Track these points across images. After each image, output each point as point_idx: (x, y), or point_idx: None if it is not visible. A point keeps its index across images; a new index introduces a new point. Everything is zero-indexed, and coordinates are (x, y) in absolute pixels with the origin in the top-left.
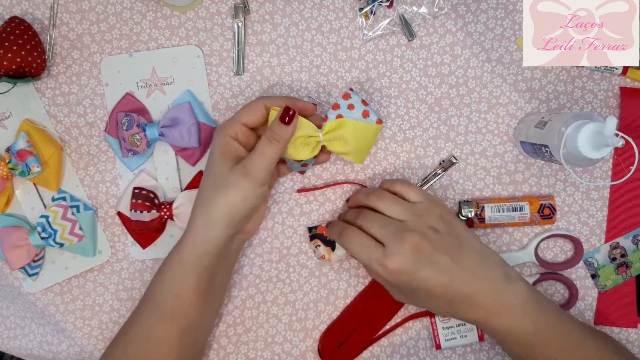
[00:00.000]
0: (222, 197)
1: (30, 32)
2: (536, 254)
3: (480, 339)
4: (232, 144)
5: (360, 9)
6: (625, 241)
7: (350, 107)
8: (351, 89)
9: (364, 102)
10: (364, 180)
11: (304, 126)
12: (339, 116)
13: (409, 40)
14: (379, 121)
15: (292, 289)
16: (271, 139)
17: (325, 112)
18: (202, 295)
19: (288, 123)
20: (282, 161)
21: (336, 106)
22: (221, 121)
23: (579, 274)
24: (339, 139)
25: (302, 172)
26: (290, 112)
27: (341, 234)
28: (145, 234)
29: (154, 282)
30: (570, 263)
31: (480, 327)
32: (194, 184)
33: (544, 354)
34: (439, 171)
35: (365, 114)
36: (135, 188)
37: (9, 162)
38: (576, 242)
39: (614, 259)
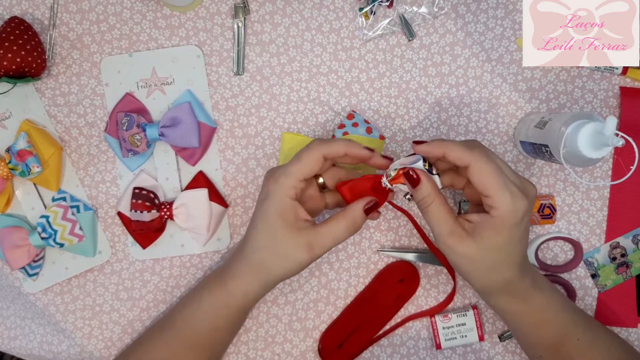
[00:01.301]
0: (282, 269)
1: (30, 32)
2: (536, 256)
3: (481, 339)
4: (293, 207)
5: (360, 9)
6: (625, 241)
7: (355, 125)
8: (353, 111)
9: (367, 121)
10: None
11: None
12: (345, 133)
13: (409, 40)
14: (382, 137)
15: (292, 289)
16: (350, 228)
17: (328, 110)
18: (235, 329)
19: (369, 213)
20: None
21: (342, 125)
22: (221, 121)
23: (579, 274)
24: None
25: None
26: (374, 205)
27: (483, 155)
28: (145, 234)
29: (189, 309)
30: (569, 265)
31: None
32: (194, 184)
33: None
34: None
35: (369, 131)
36: (135, 188)
37: (9, 162)
38: (576, 245)
39: (614, 259)
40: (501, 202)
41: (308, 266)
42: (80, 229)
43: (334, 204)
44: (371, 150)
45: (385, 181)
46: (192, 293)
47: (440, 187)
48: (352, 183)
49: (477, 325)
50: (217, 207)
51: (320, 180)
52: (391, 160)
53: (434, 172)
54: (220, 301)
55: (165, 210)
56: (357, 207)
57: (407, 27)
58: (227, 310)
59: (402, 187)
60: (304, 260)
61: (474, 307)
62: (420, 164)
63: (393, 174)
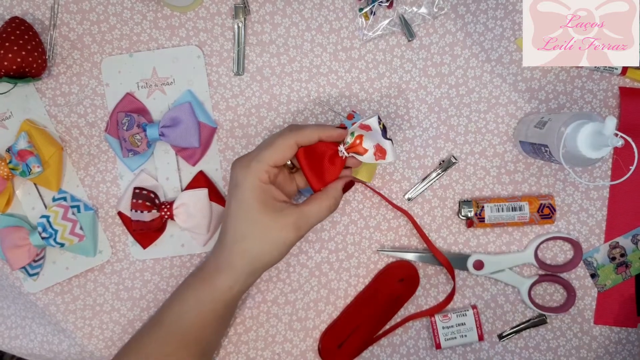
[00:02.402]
0: (269, 253)
1: (30, 33)
2: (536, 256)
3: (480, 338)
4: (268, 190)
5: (360, 9)
6: (624, 241)
7: None
8: (353, 111)
9: None
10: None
11: None
12: None
13: (409, 41)
14: None
15: (293, 289)
16: (332, 207)
17: (328, 110)
18: (225, 323)
19: (345, 191)
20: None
21: (342, 125)
22: (222, 121)
23: (578, 274)
24: None
25: None
26: (349, 183)
27: None
28: (145, 233)
29: (176, 307)
30: (569, 265)
31: None
32: (194, 184)
33: None
34: (439, 171)
35: None
36: (135, 188)
37: (10, 162)
38: (575, 245)
39: (613, 259)
40: None
41: (292, 247)
42: (81, 228)
43: (304, 184)
44: (343, 127)
45: (342, 149)
46: (177, 291)
47: (393, 155)
48: (309, 148)
49: (476, 325)
50: (217, 207)
51: (289, 162)
52: (344, 129)
53: (388, 136)
54: (205, 297)
55: (165, 210)
56: (338, 187)
57: (407, 28)
58: (213, 305)
59: (358, 157)
60: (291, 240)
61: (474, 307)
62: (375, 124)
63: (350, 140)
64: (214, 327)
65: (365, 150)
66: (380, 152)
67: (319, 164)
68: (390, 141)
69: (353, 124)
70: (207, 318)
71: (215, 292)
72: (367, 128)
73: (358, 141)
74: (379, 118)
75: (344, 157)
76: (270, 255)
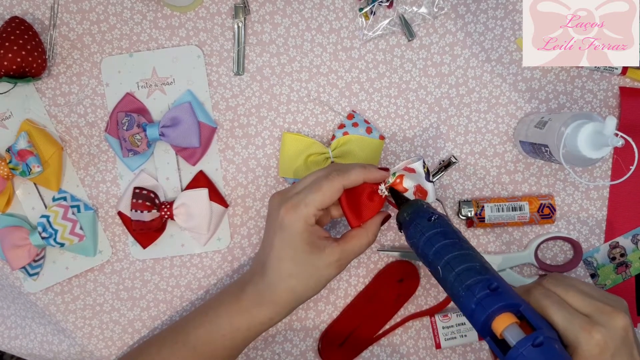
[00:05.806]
0: (314, 290)
1: (30, 33)
2: (536, 256)
3: (481, 338)
4: (314, 231)
5: (360, 9)
6: (624, 240)
7: (355, 125)
8: (353, 111)
9: (367, 121)
10: None
11: (314, 145)
12: (345, 133)
13: (409, 40)
14: (382, 137)
15: None
16: (371, 242)
17: (328, 110)
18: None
19: (382, 224)
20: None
21: (342, 125)
22: (222, 121)
23: (578, 274)
24: (348, 154)
25: None
26: (387, 217)
27: (539, 293)
28: (145, 233)
29: (208, 329)
30: (569, 265)
31: None
32: (194, 183)
33: None
34: (439, 171)
35: (369, 131)
36: (135, 188)
37: (10, 162)
38: (575, 245)
39: (613, 259)
40: (572, 341)
41: None
42: (81, 228)
43: (339, 215)
44: (386, 169)
45: (382, 188)
46: (207, 314)
47: (434, 197)
48: (350, 189)
49: None
50: (217, 207)
51: None
52: (387, 170)
53: (431, 178)
54: (242, 324)
55: (165, 210)
56: (377, 223)
57: (407, 28)
58: (248, 332)
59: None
60: (334, 276)
61: None
62: (420, 168)
63: (391, 180)
64: (241, 350)
65: (405, 190)
66: (420, 192)
67: (357, 201)
68: (432, 184)
69: (354, 124)
70: (239, 343)
71: (253, 321)
72: (412, 171)
73: (398, 180)
74: (423, 162)
75: (383, 196)
76: (314, 290)
